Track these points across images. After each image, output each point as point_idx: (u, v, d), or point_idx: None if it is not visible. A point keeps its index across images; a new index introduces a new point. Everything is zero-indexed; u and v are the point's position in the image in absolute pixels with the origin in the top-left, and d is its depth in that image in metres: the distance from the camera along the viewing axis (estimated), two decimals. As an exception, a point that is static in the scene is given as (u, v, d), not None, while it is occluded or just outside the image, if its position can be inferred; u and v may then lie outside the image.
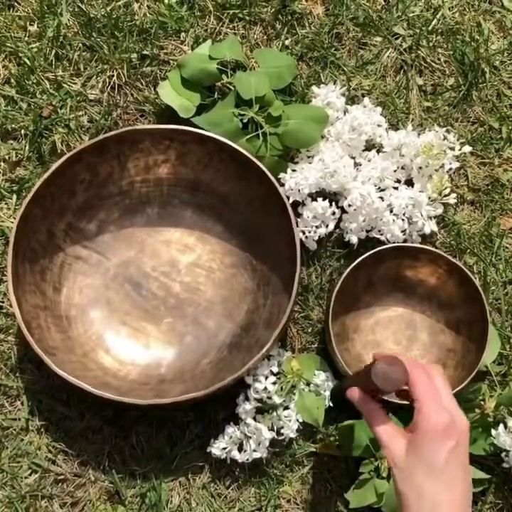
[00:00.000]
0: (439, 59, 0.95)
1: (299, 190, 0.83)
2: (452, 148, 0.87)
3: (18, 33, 0.93)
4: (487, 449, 0.79)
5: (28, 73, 0.91)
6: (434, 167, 0.86)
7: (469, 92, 0.94)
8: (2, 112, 0.90)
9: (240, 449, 0.81)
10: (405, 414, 0.75)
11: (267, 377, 0.79)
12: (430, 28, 0.95)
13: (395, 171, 0.86)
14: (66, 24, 0.92)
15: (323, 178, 0.83)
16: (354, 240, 0.85)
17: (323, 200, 0.83)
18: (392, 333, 0.86)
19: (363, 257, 0.81)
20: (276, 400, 0.79)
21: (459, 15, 0.96)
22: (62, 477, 0.82)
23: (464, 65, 0.94)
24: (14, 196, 0.89)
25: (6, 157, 0.90)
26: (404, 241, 0.85)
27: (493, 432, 0.78)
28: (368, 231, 0.85)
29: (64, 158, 0.80)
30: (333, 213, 0.84)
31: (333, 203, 0.84)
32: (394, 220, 0.84)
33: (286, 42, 0.94)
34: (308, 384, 0.82)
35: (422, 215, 0.84)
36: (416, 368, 0.62)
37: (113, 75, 0.91)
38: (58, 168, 0.80)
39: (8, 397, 0.84)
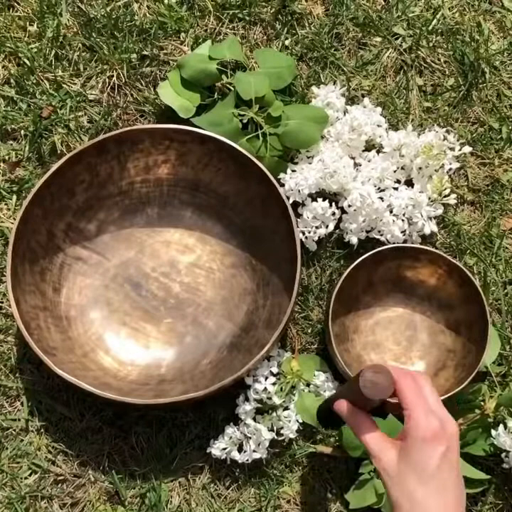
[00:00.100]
0: (439, 59, 0.95)
1: (298, 191, 0.83)
2: (452, 149, 0.87)
3: (18, 33, 0.93)
4: (487, 450, 0.80)
5: (27, 73, 0.91)
6: (434, 167, 0.86)
7: (469, 93, 0.93)
8: (2, 112, 0.90)
9: (240, 449, 0.80)
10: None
11: (266, 378, 0.79)
12: (430, 28, 0.95)
13: (394, 172, 0.86)
14: (66, 24, 0.92)
15: (323, 178, 0.83)
16: (354, 240, 0.85)
17: (323, 200, 0.83)
18: (392, 334, 0.86)
19: (363, 257, 0.81)
20: (276, 400, 0.79)
21: (459, 15, 0.96)
22: (61, 478, 0.82)
23: (463, 65, 0.94)
24: (14, 197, 0.89)
25: (6, 157, 0.90)
26: (404, 241, 0.85)
27: (493, 432, 0.78)
28: (367, 231, 0.85)
29: (64, 158, 0.80)
30: (333, 214, 0.84)
31: (333, 204, 0.84)
32: (394, 221, 0.84)
33: (286, 42, 0.93)
34: (308, 384, 0.82)
35: (422, 216, 0.84)
36: (403, 375, 0.61)
37: (113, 76, 0.91)
38: (58, 169, 0.80)
39: (8, 398, 0.84)
